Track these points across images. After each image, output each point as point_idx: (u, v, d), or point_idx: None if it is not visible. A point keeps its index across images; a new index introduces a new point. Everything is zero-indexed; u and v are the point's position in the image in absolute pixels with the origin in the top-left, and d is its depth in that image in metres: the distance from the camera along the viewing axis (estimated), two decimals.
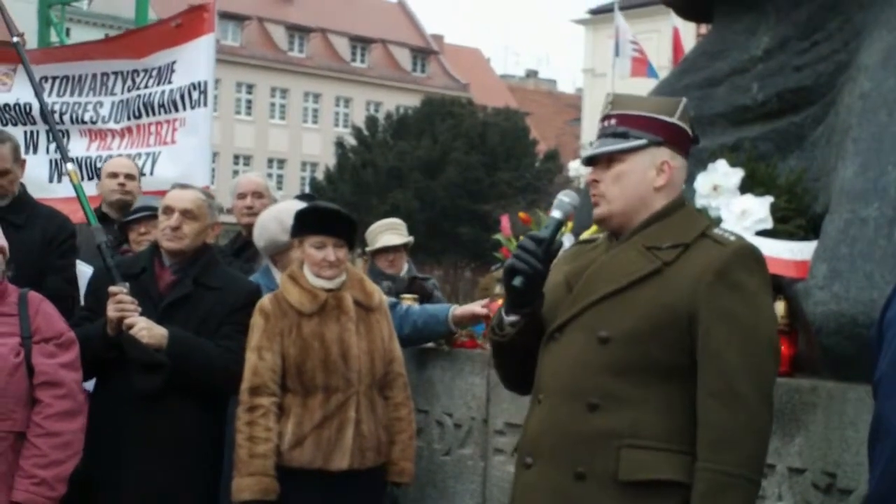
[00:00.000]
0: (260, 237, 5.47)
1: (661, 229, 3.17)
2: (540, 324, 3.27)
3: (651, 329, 3.05)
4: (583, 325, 3.14)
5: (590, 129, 49.12)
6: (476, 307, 5.19)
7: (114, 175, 6.49)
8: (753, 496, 2.99)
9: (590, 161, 3.27)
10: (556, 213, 3.29)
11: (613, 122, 3.23)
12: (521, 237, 3.31)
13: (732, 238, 3.14)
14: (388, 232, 7.21)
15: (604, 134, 3.25)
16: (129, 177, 6.50)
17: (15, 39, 6.41)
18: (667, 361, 3.05)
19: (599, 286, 3.15)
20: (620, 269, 3.14)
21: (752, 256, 3.12)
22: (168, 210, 4.88)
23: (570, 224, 5.21)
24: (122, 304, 4.70)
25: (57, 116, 7.08)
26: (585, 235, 3.58)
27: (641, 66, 31.38)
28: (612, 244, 3.25)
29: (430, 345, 5.42)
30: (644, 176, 3.19)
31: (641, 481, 3.00)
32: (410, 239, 7.29)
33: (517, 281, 3.19)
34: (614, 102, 3.27)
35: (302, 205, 5.38)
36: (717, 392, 2.98)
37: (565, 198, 3.32)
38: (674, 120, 3.23)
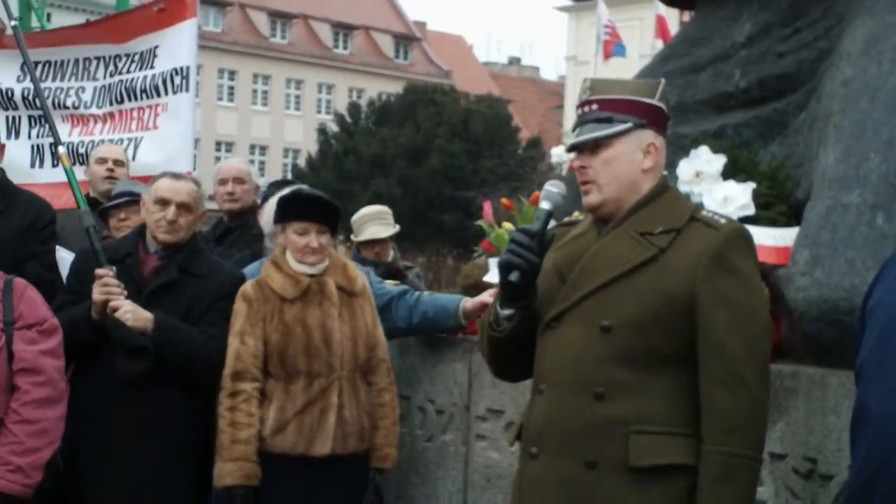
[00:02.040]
0: (267, 224, 5.36)
1: (651, 213, 3.18)
2: (534, 314, 3.28)
3: (652, 317, 3.07)
4: (582, 315, 3.15)
5: (573, 116, 49.11)
6: (485, 297, 5.11)
7: (102, 160, 6.46)
8: (758, 474, 3.08)
9: (575, 148, 3.27)
10: (544, 204, 3.28)
11: (595, 107, 3.23)
12: (513, 231, 3.30)
13: (723, 221, 3.16)
14: (376, 223, 7.16)
15: (586, 120, 3.24)
16: (117, 163, 6.48)
17: (13, 23, 6.36)
18: (668, 348, 3.08)
19: (597, 275, 3.15)
20: (617, 257, 3.15)
21: (744, 239, 3.15)
22: (163, 202, 4.83)
23: None
24: (108, 286, 4.69)
25: (39, 101, 7.04)
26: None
27: (610, 47, 31.18)
28: (601, 230, 3.25)
29: None
30: (632, 159, 3.20)
31: (651, 466, 3.03)
32: (397, 229, 7.26)
33: (514, 276, 3.19)
34: (593, 87, 3.27)
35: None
36: (720, 377, 3.02)
37: (553, 188, 3.31)
38: (655, 101, 3.24)
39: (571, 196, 3.42)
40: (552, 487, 3.14)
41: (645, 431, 3.05)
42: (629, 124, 3.19)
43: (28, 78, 7.07)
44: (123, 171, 6.52)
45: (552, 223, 3.33)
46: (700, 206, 3.38)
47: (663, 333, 3.08)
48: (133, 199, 5.74)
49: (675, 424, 3.06)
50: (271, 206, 5.38)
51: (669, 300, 3.07)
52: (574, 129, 3.29)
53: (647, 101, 3.23)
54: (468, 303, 5.09)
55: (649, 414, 3.06)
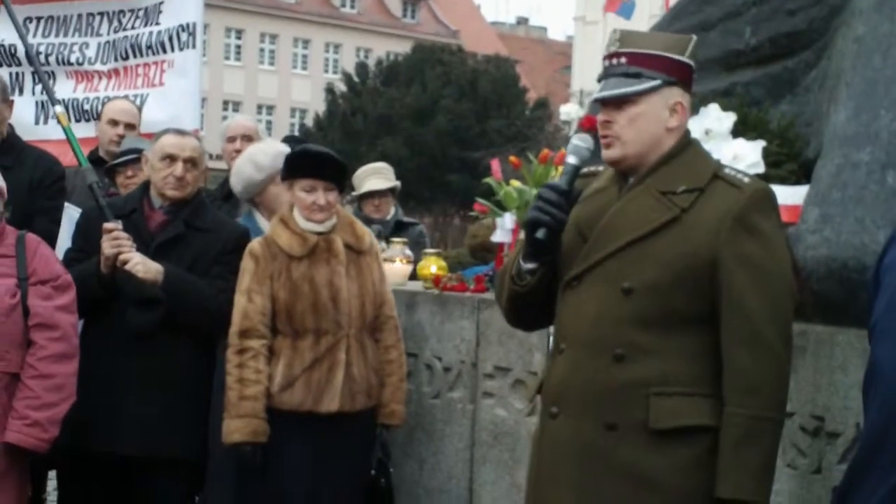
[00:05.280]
0: (237, 182, 5.36)
1: (673, 171, 3.14)
2: (556, 267, 3.25)
3: (674, 279, 3.05)
4: (603, 275, 3.13)
5: (580, 77, 48.96)
6: None
7: (114, 122, 6.39)
8: (780, 434, 3.07)
9: (600, 101, 3.21)
10: (570, 159, 3.23)
11: (623, 60, 3.16)
12: (541, 188, 3.24)
13: (746, 180, 3.12)
14: (374, 176, 7.20)
15: (613, 73, 3.18)
16: (129, 126, 6.39)
17: None
18: (690, 309, 3.06)
19: (617, 235, 3.12)
20: (638, 217, 3.12)
21: (767, 198, 3.12)
22: (171, 158, 4.84)
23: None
24: (118, 240, 4.69)
25: (42, 58, 7.00)
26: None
27: (614, 3, 30.57)
28: (622, 187, 3.21)
29: (420, 287, 5.42)
30: (658, 117, 3.15)
31: (672, 428, 3.03)
32: (397, 183, 7.28)
33: (541, 234, 3.15)
34: (622, 40, 3.19)
35: (273, 143, 5.33)
36: (743, 338, 3.01)
37: (581, 142, 3.25)
38: (685, 58, 3.19)
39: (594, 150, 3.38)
40: (571, 448, 3.14)
41: (665, 393, 3.04)
42: (658, 81, 3.13)
43: (31, 34, 7.04)
44: (134, 134, 6.47)
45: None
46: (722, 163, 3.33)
47: (685, 295, 3.06)
48: (140, 157, 5.71)
49: (696, 385, 3.05)
50: (238, 164, 5.32)
51: (691, 262, 3.05)
52: (599, 81, 3.23)
53: (678, 57, 3.17)
54: None
55: (670, 375, 3.05)
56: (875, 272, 2.89)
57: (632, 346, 3.07)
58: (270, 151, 5.29)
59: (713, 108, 4.50)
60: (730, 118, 4.46)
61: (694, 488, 3.04)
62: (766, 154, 4.35)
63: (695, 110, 4.54)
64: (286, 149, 5.28)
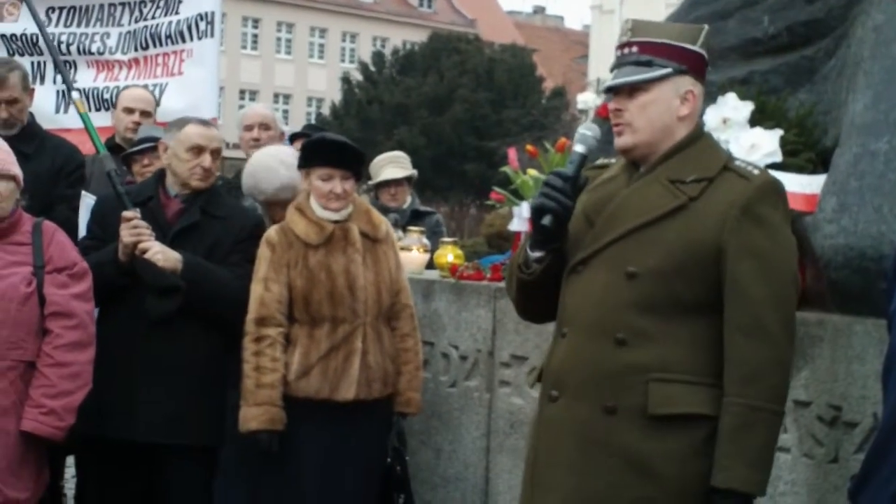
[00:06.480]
0: (268, 186, 5.14)
1: (684, 161, 3.16)
2: (564, 257, 3.27)
3: (678, 265, 3.06)
4: (608, 260, 3.15)
5: (597, 66, 48.86)
6: None
7: (129, 111, 6.41)
8: (779, 427, 3.07)
9: (611, 89, 3.24)
10: (578, 148, 3.26)
11: (635, 49, 3.19)
12: (547, 175, 3.28)
13: (756, 172, 3.14)
14: (391, 165, 7.21)
15: (625, 62, 3.20)
16: (144, 114, 6.40)
17: None
18: (693, 297, 3.07)
19: (625, 220, 3.14)
20: (646, 204, 3.13)
21: (775, 190, 3.13)
22: (199, 149, 4.84)
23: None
24: (137, 228, 4.71)
25: (64, 47, 7.03)
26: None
27: None
28: (633, 175, 3.23)
29: (436, 276, 5.43)
30: (669, 105, 3.18)
31: (670, 415, 3.04)
32: (413, 172, 7.29)
33: (546, 220, 3.18)
34: (634, 29, 3.22)
35: (278, 149, 5.28)
36: (745, 328, 3.01)
37: (587, 131, 3.28)
38: (696, 48, 3.20)
39: (603, 139, 3.40)
40: (569, 431, 3.16)
41: (665, 379, 3.06)
42: (668, 70, 3.16)
43: (52, 23, 7.06)
44: (150, 122, 6.49)
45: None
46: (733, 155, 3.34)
47: (689, 282, 3.07)
48: (156, 145, 5.72)
49: (697, 374, 3.06)
50: (268, 165, 5.18)
51: (697, 250, 3.06)
52: (612, 70, 3.25)
53: (689, 46, 3.19)
54: None
55: (670, 362, 3.06)
56: (894, 261, 2.88)
57: (633, 330, 3.08)
58: (289, 150, 5.24)
59: (731, 97, 4.48)
60: (747, 107, 4.44)
61: (691, 476, 3.05)
62: (784, 143, 4.33)
63: (712, 99, 4.54)
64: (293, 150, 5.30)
